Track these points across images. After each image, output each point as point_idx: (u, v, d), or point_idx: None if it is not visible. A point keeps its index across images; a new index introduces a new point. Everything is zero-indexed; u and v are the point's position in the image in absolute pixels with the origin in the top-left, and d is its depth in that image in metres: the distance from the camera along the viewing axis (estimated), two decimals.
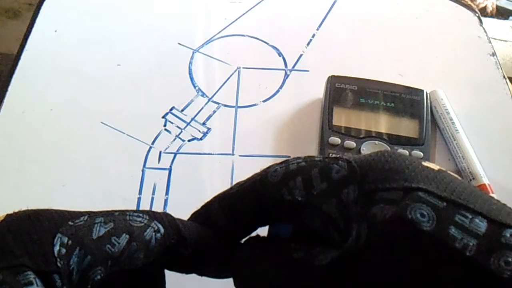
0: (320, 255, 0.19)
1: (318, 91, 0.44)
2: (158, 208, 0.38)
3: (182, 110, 0.44)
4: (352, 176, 0.19)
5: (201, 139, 0.42)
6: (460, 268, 0.16)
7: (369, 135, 0.40)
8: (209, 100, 0.45)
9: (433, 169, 0.18)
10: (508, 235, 0.16)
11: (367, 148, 0.39)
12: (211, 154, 0.41)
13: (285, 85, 0.46)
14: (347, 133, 0.40)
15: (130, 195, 0.38)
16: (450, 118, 0.42)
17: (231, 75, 0.47)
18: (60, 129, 0.42)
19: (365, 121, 0.41)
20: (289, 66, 0.48)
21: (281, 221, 0.22)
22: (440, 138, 0.43)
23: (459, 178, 0.19)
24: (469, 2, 0.55)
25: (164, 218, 0.21)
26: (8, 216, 0.19)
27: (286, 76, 0.47)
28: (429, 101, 0.43)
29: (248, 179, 0.22)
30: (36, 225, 0.18)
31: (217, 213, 0.22)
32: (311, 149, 0.41)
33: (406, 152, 0.39)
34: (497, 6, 1.41)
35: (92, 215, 0.20)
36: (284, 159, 0.22)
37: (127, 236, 0.19)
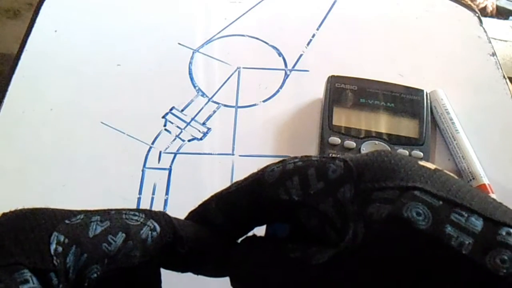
0: (317, 255, 0.19)
1: (318, 91, 0.44)
2: (158, 208, 0.38)
3: (182, 110, 0.44)
4: (349, 175, 0.19)
5: (201, 139, 0.42)
6: (456, 267, 0.16)
7: (369, 135, 0.40)
8: (209, 100, 0.45)
9: (429, 168, 0.18)
10: (504, 233, 0.16)
11: (367, 148, 0.39)
12: (211, 154, 0.41)
13: (285, 85, 0.46)
14: (347, 133, 0.40)
15: (130, 195, 0.38)
16: (450, 118, 0.42)
17: (231, 75, 0.47)
18: (60, 129, 0.42)
19: (365, 121, 0.41)
20: (289, 66, 0.48)
21: (278, 220, 0.22)
22: (440, 138, 0.43)
23: (456, 177, 0.19)
24: (469, 2, 0.55)
25: (161, 216, 0.21)
26: (4, 214, 0.19)
27: (286, 76, 0.47)
28: (429, 101, 0.43)
29: (246, 178, 0.22)
30: (32, 224, 0.18)
31: (214, 212, 0.23)
32: (311, 149, 0.41)
33: (406, 152, 0.39)
34: (497, 6, 1.41)
35: (88, 214, 0.20)
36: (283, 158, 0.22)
37: (124, 234, 0.20)
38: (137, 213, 0.21)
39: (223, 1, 0.53)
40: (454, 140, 0.41)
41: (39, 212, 0.20)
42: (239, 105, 0.44)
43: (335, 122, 0.41)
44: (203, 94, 0.45)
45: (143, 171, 0.40)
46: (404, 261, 0.17)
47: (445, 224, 0.16)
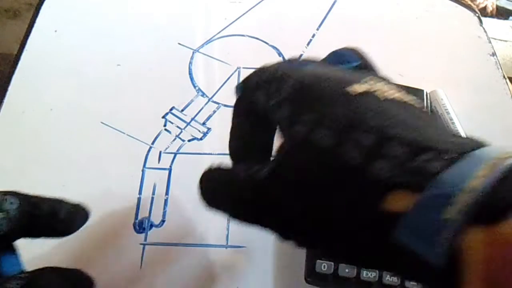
0: (261, 170, 0.22)
1: None
2: (158, 208, 0.38)
3: (182, 110, 0.44)
4: (291, 96, 0.22)
5: (201, 139, 0.42)
6: (350, 177, 0.19)
7: None
8: (209, 100, 0.45)
9: (352, 95, 0.21)
10: (389, 146, 0.18)
11: None
12: (211, 154, 0.41)
13: None
14: None
15: (130, 195, 0.38)
16: (450, 118, 0.42)
17: (231, 75, 0.47)
18: (60, 129, 0.42)
19: None
20: None
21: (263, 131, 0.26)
22: None
23: (381, 99, 0.21)
24: (469, 2, 0.55)
25: (16, 193, 0.23)
26: None
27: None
28: (429, 101, 0.43)
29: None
30: None
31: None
32: None
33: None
34: (497, 6, 1.41)
35: None
36: None
37: None
38: None
39: (223, 1, 0.53)
40: None
41: None
42: None
43: None
44: (203, 94, 0.45)
45: (143, 171, 0.40)
46: (314, 175, 0.20)
47: (341, 144, 0.19)
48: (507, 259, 0.15)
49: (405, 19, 0.53)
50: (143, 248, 0.36)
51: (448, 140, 0.19)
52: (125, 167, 0.40)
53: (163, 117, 0.43)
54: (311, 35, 0.51)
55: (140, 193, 0.39)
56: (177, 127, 0.43)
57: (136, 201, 0.38)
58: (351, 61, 0.27)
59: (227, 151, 0.43)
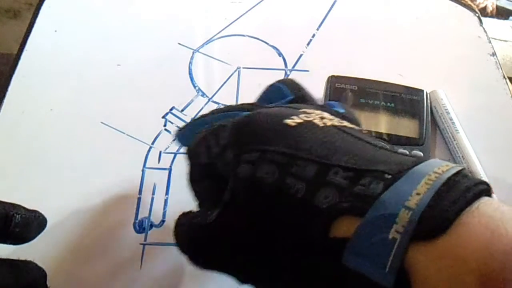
0: (210, 215, 0.22)
1: (318, 91, 0.44)
2: (158, 208, 0.38)
3: (182, 110, 0.44)
4: (231, 140, 0.23)
5: None
6: (297, 210, 0.19)
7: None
8: (209, 100, 0.45)
9: (289, 126, 0.21)
10: (331, 174, 0.19)
11: None
12: None
13: None
14: None
15: (130, 195, 0.38)
16: (450, 118, 0.42)
17: (231, 75, 0.47)
18: (60, 129, 0.42)
19: (365, 121, 0.41)
20: (289, 66, 0.48)
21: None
22: (440, 138, 0.43)
23: (321, 127, 0.22)
24: (469, 2, 0.55)
25: None
26: None
27: (286, 76, 0.47)
28: (429, 101, 0.43)
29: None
30: None
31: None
32: None
33: (406, 152, 0.39)
34: (497, 6, 1.41)
35: None
36: None
37: None
38: None
39: (223, 1, 0.53)
40: (454, 140, 0.41)
41: None
42: None
43: None
44: (203, 94, 0.45)
45: (143, 171, 0.40)
46: (262, 213, 0.20)
47: (286, 177, 0.20)
48: (448, 273, 0.16)
49: (405, 19, 0.53)
50: (143, 248, 0.36)
51: (388, 160, 0.19)
52: (125, 167, 0.40)
53: (163, 117, 0.43)
54: (311, 35, 0.51)
55: (140, 193, 0.39)
56: (177, 127, 0.43)
57: (136, 201, 0.38)
58: (286, 95, 0.27)
59: None
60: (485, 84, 0.47)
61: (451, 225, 0.17)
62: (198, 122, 0.29)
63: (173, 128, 0.43)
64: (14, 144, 0.41)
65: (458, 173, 0.19)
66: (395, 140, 0.40)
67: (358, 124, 0.25)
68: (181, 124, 0.43)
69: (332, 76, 0.43)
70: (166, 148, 0.41)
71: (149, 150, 0.41)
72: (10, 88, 0.44)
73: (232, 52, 0.49)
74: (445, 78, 0.47)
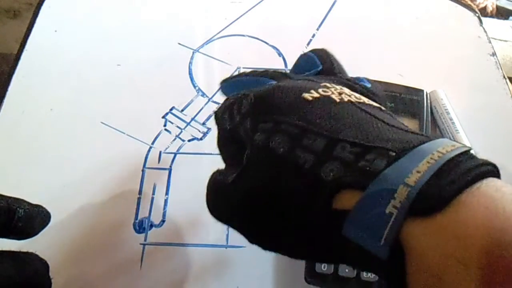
0: (230, 175, 0.24)
1: None
2: (158, 208, 0.38)
3: (182, 110, 0.44)
4: (250, 110, 0.24)
5: (201, 139, 0.42)
6: (304, 180, 0.20)
7: None
8: (209, 100, 0.45)
9: (306, 100, 0.22)
10: (339, 149, 0.20)
11: None
12: (211, 154, 0.41)
13: None
14: None
15: (130, 195, 0.38)
16: (450, 118, 0.42)
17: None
18: (60, 129, 0.42)
19: None
20: (289, 66, 0.48)
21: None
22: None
23: (337, 103, 0.22)
24: (469, 2, 0.55)
25: None
26: None
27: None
28: (429, 101, 0.43)
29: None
30: None
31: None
32: None
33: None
34: (497, 6, 1.41)
35: None
36: None
37: None
38: None
39: (223, 1, 0.53)
40: (454, 140, 0.41)
41: None
42: None
43: None
44: (203, 94, 0.45)
45: (143, 171, 0.40)
46: (270, 179, 0.21)
47: (296, 148, 0.21)
48: (444, 249, 0.16)
49: (405, 19, 0.53)
50: (143, 248, 0.36)
51: (396, 138, 0.20)
52: (125, 167, 0.40)
53: (163, 117, 0.43)
54: (311, 35, 0.51)
55: (140, 193, 0.39)
56: (177, 127, 0.43)
57: (136, 201, 0.38)
58: (314, 66, 0.28)
59: None
60: (485, 84, 0.47)
61: (448, 203, 0.17)
62: (236, 81, 0.30)
63: (173, 128, 0.43)
64: (14, 144, 0.41)
65: (463, 153, 0.19)
66: None
67: (383, 100, 0.26)
68: (181, 124, 0.43)
69: None
70: (166, 148, 0.41)
71: (149, 150, 0.41)
72: (10, 88, 0.44)
73: (232, 52, 0.49)
74: (445, 78, 0.47)
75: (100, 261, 0.35)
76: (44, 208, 0.26)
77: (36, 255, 0.25)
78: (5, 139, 0.41)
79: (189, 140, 0.42)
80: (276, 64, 0.48)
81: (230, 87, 0.31)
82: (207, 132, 0.43)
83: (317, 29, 0.51)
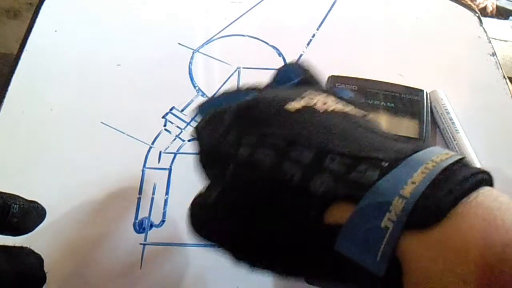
0: (212, 194, 0.23)
1: None
2: (158, 208, 0.38)
3: (182, 110, 0.44)
4: (233, 122, 0.23)
5: None
6: (292, 195, 0.19)
7: None
8: None
9: (290, 112, 0.22)
10: (328, 161, 0.19)
11: None
12: None
13: None
14: None
15: (130, 195, 0.38)
16: (450, 118, 0.42)
17: (231, 75, 0.47)
18: (60, 129, 0.42)
19: None
20: None
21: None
22: (440, 138, 0.43)
23: (322, 113, 0.22)
24: (469, 2, 0.55)
25: None
26: None
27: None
28: (429, 101, 0.43)
29: None
30: None
31: None
32: None
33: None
34: (497, 6, 1.41)
35: None
36: None
37: None
38: None
39: (223, 1, 0.53)
40: (454, 140, 0.41)
41: None
42: None
43: None
44: (203, 94, 0.45)
45: (143, 171, 0.40)
46: (257, 195, 0.20)
47: (283, 161, 0.20)
48: (443, 264, 0.16)
49: (405, 19, 0.53)
50: (143, 248, 0.36)
51: (387, 147, 0.19)
52: (125, 167, 0.40)
53: (163, 117, 0.43)
54: (311, 35, 0.51)
55: (140, 193, 0.39)
56: (177, 127, 0.43)
57: (136, 201, 0.38)
58: (294, 77, 0.27)
59: None
60: (485, 84, 0.47)
61: (445, 215, 0.16)
62: (212, 101, 0.29)
63: (173, 128, 0.43)
64: (14, 144, 0.41)
65: (457, 162, 0.18)
66: None
67: (363, 110, 0.25)
68: (181, 124, 0.43)
69: (332, 76, 0.43)
70: (166, 148, 0.41)
71: (149, 150, 0.41)
72: (10, 88, 0.44)
73: (232, 52, 0.49)
74: (445, 78, 0.47)
75: (100, 261, 0.35)
76: (39, 204, 0.26)
77: (30, 249, 0.24)
78: (5, 139, 0.41)
79: (189, 140, 0.42)
80: (276, 64, 0.48)
81: (208, 108, 0.29)
82: None
83: (317, 29, 0.51)
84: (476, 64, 0.49)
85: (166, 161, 0.41)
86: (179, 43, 0.49)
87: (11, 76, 0.45)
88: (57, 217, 0.36)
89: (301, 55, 0.49)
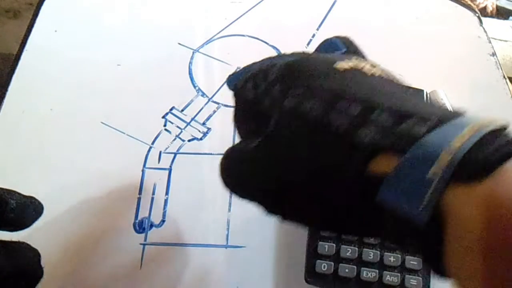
0: (253, 142, 0.23)
1: None
2: (158, 208, 0.38)
3: (182, 110, 0.44)
4: (279, 77, 0.23)
5: (201, 139, 0.42)
6: (337, 145, 0.20)
7: None
8: (209, 100, 0.45)
9: (339, 71, 0.22)
10: (375, 114, 0.19)
11: None
12: (211, 154, 0.41)
13: None
14: None
15: (130, 195, 0.38)
16: None
17: None
18: (60, 129, 0.42)
19: None
20: None
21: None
22: None
23: (369, 75, 0.22)
24: (469, 2, 0.55)
25: None
26: None
27: None
28: (429, 101, 0.43)
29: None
30: None
31: None
32: None
33: None
34: (497, 6, 1.41)
35: None
36: None
37: None
38: None
39: (223, 1, 0.53)
40: None
41: None
42: None
43: None
44: (203, 94, 0.45)
45: (143, 171, 0.40)
46: (305, 146, 0.21)
47: (329, 112, 0.20)
48: (488, 218, 0.16)
49: (405, 19, 0.53)
50: (143, 248, 0.36)
51: (432, 110, 0.20)
52: (125, 167, 0.40)
53: (163, 117, 0.43)
54: (311, 35, 0.51)
55: (140, 193, 0.39)
56: (177, 127, 0.43)
57: (136, 201, 0.38)
58: (340, 48, 0.28)
59: None
60: (485, 84, 0.47)
61: (493, 170, 0.16)
62: (249, 68, 0.29)
63: (173, 128, 0.43)
64: (14, 144, 0.41)
65: (501, 129, 0.19)
66: None
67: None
68: (181, 124, 0.43)
69: None
70: (166, 148, 0.41)
71: (149, 150, 0.41)
72: (10, 88, 0.44)
73: (232, 52, 0.49)
74: (445, 78, 0.47)
75: (100, 261, 0.35)
76: (36, 200, 0.26)
77: (27, 244, 0.24)
78: (5, 139, 0.41)
79: (189, 140, 0.42)
80: None
81: (240, 77, 0.30)
82: (207, 132, 0.43)
83: (317, 29, 0.51)
84: (476, 64, 0.49)
85: (166, 161, 0.41)
86: (179, 43, 0.49)
87: (11, 76, 0.45)
88: (57, 217, 0.36)
89: None
